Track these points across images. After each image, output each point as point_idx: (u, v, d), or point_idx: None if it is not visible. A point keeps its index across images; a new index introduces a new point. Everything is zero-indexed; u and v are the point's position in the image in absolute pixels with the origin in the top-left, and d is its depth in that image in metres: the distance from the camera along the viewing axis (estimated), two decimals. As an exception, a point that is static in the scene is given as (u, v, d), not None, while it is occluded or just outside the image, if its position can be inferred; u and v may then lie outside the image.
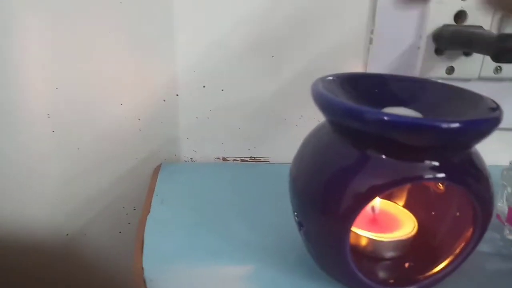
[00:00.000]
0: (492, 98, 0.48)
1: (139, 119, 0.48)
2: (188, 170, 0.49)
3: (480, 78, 0.49)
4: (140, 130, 0.49)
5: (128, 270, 0.55)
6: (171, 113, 0.49)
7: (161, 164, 0.50)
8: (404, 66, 0.48)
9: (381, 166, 0.27)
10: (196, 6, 0.45)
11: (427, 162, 0.26)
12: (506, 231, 0.39)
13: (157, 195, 0.43)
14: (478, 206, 0.28)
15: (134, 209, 0.53)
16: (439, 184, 0.34)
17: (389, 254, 0.33)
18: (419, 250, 0.33)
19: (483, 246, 0.32)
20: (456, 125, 0.24)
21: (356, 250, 0.33)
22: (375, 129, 0.26)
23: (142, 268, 0.32)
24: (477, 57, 0.48)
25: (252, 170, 0.50)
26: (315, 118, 0.49)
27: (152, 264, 0.33)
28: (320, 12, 0.46)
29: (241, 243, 0.36)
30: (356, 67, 0.49)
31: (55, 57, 0.45)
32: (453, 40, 0.44)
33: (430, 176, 0.26)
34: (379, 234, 0.33)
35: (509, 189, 0.39)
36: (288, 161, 0.50)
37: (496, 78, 0.49)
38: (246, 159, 0.52)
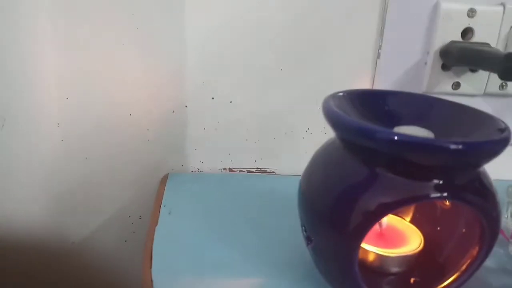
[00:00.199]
0: (497, 113, 0.49)
1: (147, 130, 0.49)
2: (195, 180, 0.49)
3: (486, 94, 0.50)
4: (148, 140, 0.49)
5: (133, 279, 0.56)
6: (180, 124, 0.49)
7: (168, 174, 0.50)
8: (411, 81, 0.49)
9: (390, 184, 0.27)
10: (207, 19, 0.45)
11: (436, 181, 0.27)
12: (511, 248, 0.39)
13: (164, 206, 0.43)
14: (486, 225, 0.28)
15: (140, 218, 0.53)
16: (446, 201, 0.34)
17: (396, 269, 0.34)
18: (425, 265, 0.34)
19: (487, 261, 0.32)
20: (466, 146, 0.25)
21: (363, 265, 0.33)
22: (385, 148, 0.26)
23: (151, 281, 0.33)
24: (483, 73, 0.48)
25: (259, 182, 0.50)
26: (322, 131, 0.50)
27: (161, 277, 0.33)
28: (329, 27, 0.47)
29: (249, 256, 0.37)
30: (363, 81, 0.49)
31: (66, 68, 0.46)
32: (460, 57, 0.45)
33: (439, 195, 0.27)
34: (385, 250, 0.33)
35: (514, 206, 0.39)
36: (294, 173, 0.51)
37: (502, 94, 0.50)
38: (252, 170, 0.52)
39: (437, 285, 0.31)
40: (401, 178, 0.27)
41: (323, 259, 0.31)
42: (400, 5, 0.46)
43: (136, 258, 0.54)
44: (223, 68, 0.47)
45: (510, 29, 0.47)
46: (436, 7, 0.46)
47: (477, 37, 0.46)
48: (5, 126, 0.47)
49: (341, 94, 0.33)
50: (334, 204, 0.29)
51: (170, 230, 0.39)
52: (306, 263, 0.35)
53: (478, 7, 0.46)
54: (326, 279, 0.32)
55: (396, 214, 0.37)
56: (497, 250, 0.40)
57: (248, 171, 0.52)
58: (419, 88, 0.49)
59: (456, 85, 0.49)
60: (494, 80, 0.49)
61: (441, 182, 0.27)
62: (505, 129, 0.28)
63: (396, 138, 0.25)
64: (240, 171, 0.52)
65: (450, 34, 0.46)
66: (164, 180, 0.49)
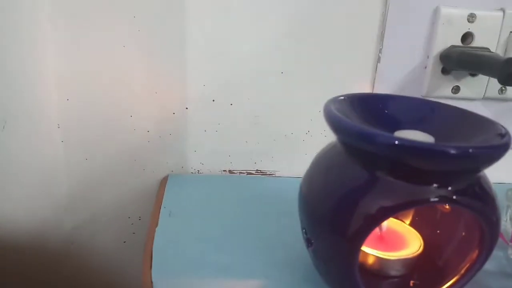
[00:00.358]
0: (496, 117, 0.49)
1: (148, 131, 0.49)
2: (195, 182, 0.49)
3: (485, 98, 0.50)
4: (148, 142, 0.49)
5: (133, 280, 0.56)
6: (180, 126, 0.49)
7: (168, 175, 0.50)
8: (411, 85, 0.49)
9: (391, 188, 0.27)
10: (208, 22, 0.46)
11: (437, 185, 0.27)
12: (510, 251, 0.39)
13: (164, 207, 0.43)
14: (485, 229, 0.29)
15: (140, 219, 0.53)
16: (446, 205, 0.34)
17: (395, 272, 0.34)
18: (425, 269, 0.34)
19: (486, 264, 0.32)
20: (466, 151, 0.25)
21: (363, 268, 0.33)
22: (386, 153, 0.27)
23: (151, 283, 0.33)
24: (482, 78, 0.49)
25: (259, 184, 0.50)
26: (322, 133, 0.50)
27: (161, 279, 0.33)
28: (330, 30, 0.47)
29: (249, 257, 0.37)
30: (363, 84, 0.49)
31: (66, 69, 0.46)
32: (460, 61, 0.45)
33: (439, 199, 0.27)
34: (385, 253, 0.33)
35: (513, 210, 0.40)
36: (294, 175, 0.52)
37: (501, 98, 0.50)
38: (252, 172, 0.53)
39: (437, 288, 0.32)
40: (402, 182, 0.27)
41: (323, 261, 0.31)
42: (400, 10, 0.46)
43: (136, 259, 0.54)
44: (224, 70, 0.48)
45: (509, 34, 0.47)
46: (436, 12, 0.46)
47: (477, 42, 0.47)
48: (5, 127, 0.47)
49: (342, 98, 0.33)
50: (335, 208, 0.29)
51: (170, 231, 0.39)
52: (306, 265, 0.35)
53: (478, 12, 0.46)
54: (326, 282, 0.33)
55: (396, 217, 0.37)
56: (496, 253, 0.40)
57: (248, 173, 0.53)
58: (419, 91, 0.49)
59: (456, 89, 0.49)
60: (494, 84, 0.49)
61: (441, 186, 0.27)
62: (505, 134, 0.28)
63: (396, 142, 0.26)
64: (240, 173, 0.52)
65: (450, 38, 0.47)
66: (164, 181, 0.49)
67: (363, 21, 0.47)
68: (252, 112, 0.50)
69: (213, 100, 0.49)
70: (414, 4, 0.46)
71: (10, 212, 0.51)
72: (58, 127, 0.48)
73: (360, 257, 0.33)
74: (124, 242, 0.54)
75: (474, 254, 0.30)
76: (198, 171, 0.52)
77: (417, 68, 0.49)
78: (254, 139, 0.51)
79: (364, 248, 0.33)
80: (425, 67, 0.48)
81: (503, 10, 0.46)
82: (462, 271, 0.31)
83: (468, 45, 0.47)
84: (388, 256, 0.33)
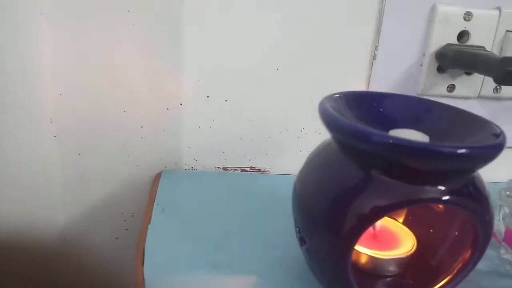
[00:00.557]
0: (491, 116, 0.49)
1: (141, 127, 0.49)
2: (188, 178, 0.49)
3: (480, 97, 0.50)
4: (142, 137, 0.49)
5: (126, 276, 0.56)
6: (174, 121, 0.49)
7: (161, 171, 0.50)
8: (407, 82, 0.49)
9: (385, 187, 0.27)
10: (204, 18, 0.45)
11: (431, 185, 0.27)
12: (503, 250, 0.39)
13: (157, 204, 0.43)
14: (479, 229, 0.29)
15: (132, 216, 0.53)
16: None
17: (389, 271, 0.34)
18: (418, 268, 0.34)
19: (479, 264, 0.32)
20: (462, 151, 0.25)
21: (356, 267, 0.33)
22: (381, 152, 0.26)
23: (143, 280, 0.32)
24: (477, 76, 0.49)
25: (253, 181, 0.50)
26: (317, 131, 0.50)
27: (153, 276, 0.33)
28: (326, 27, 0.47)
29: (242, 255, 0.37)
30: (359, 81, 0.49)
31: (59, 63, 0.45)
32: (456, 59, 0.45)
33: (433, 199, 0.27)
34: (379, 252, 0.33)
35: (506, 209, 0.40)
36: (289, 172, 0.51)
37: (496, 97, 0.50)
38: (246, 169, 0.52)
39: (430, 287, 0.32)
40: (396, 181, 0.27)
41: (316, 260, 0.31)
42: (397, 7, 0.46)
43: (128, 256, 0.54)
44: (218, 66, 0.47)
45: (505, 33, 0.47)
46: (433, 10, 0.46)
47: (473, 40, 0.47)
48: (-4, 121, 0.46)
49: (337, 95, 0.33)
50: (329, 207, 0.29)
51: (163, 228, 0.39)
52: (300, 264, 0.35)
53: (474, 11, 0.46)
54: (319, 281, 0.33)
55: (390, 216, 0.37)
56: (489, 252, 0.40)
57: (242, 170, 0.52)
58: (415, 89, 0.49)
59: (451, 88, 0.49)
60: (489, 83, 0.49)
61: (435, 186, 0.27)
62: (499, 134, 0.28)
63: (391, 141, 0.25)
64: (234, 169, 0.52)
65: (447, 36, 0.47)
66: (157, 177, 0.49)
67: (359, 18, 0.47)
68: (247, 109, 0.49)
69: (208, 96, 0.48)
70: (411, 1, 0.46)
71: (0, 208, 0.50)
72: (51, 122, 0.47)
73: (354, 256, 0.32)
74: (117, 238, 0.54)
75: (467, 254, 0.30)
76: (192, 167, 0.51)
77: (413, 66, 0.48)
78: (248, 136, 0.51)
79: (357, 247, 0.33)
80: (421, 65, 0.48)
81: (499, 9, 0.46)
82: (455, 271, 0.31)
83: (464, 44, 0.47)
84: (382, 255, 0.33)
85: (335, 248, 0.29)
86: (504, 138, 0.27)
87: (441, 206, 0.34)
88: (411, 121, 0.33)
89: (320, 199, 0.29)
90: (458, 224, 0.33)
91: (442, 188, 0.27)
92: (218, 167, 0.52)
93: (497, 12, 0.46)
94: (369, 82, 0.49)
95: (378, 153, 0.27)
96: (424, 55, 0.48)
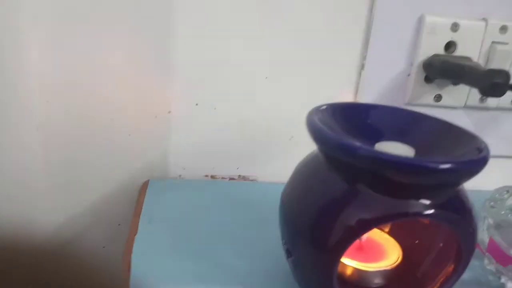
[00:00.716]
0: (477, 126, 0.49)
1: (129, 135, 0.48)
2: (176, 187, 0.49)
3: (466, 107, 0.50)
4: (129, 145, 0.49)
5: (111, 287, 0.55)
6: (162, 129, 0.49)
7: (149, 180, 0.50)
8: (395, 92, 0.49)
9: (371, 201, 0.27)
10: (193, 27, 0.45)
11: (415, 199, 0.27)
12: (486, 261, 0.40)
13: (144, 214, 0.42)
14: (462, 242, 0.29)
15: (119, 225, 0.52)
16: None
17: (374, 283, 0.34)
18: (404, 279, 0.34)
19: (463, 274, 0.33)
20: (445, 166, 0.25)
21: (342, 279, 0.33)
22: (366, 166, 0.26)
23: (129, 292, 0.32)
24: (464, 86, 0.49)
25: (241, 189, 0.50)
26: (305, 140, 0.50)
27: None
28: (314, 37, 0.47)
29: (229, 267, 0.36)
30: (347, 90, 0.49)
31: (47, 70, 0.45)
32: (443, 70, 0.45)
33: (418, 214, 0.27)
34: (364, 264, 0.33)
35: (490, 220, 0.40)
36: (277, 180, 0.51)
37: (481, 107, 0.51)
38: (234, 177, 0.52)
39: (415, 299, 0.32)
40: (381, 195, 0.27)
41: (302, 273, 0.31)
42: (385, 17, 0.46)
43: (116, 265, 0.54)
44: (207, 74, 0.47)
45: (491, 43, 0.47)
46: (421, 20, 0.46)
47: (460, 51, 0.47)
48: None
49: (324, 107, 0.33)
50: (314, 220, 0.29)
51: (149, 239, 0.39)
52: (287, 275, 0.34)
53: (461, 22, 0.46)
54: (305, 292, 0.33)
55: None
56: (472, 262, 0.40)
57: (231, 178, 0.52)
58: (402, 99, 0.49)
59: (438, 97, 0.49)
60: (475, 93, 0.49)
61: (420, 200, 0.27)
62: (483, 148, 0.28)
63: (376, 155, 0.26)
64: (222, 178, 0.52)
65: (434, 47, 0.47)
66: (144, 186, 0.48)
67: (348, 27, 0.47)
68: (235, 117, 0.49)
69: (197, 104, 0.48)
70: (399, 12, 0.46)
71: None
72: (37, 130, 0.47)
73: (339, 268, 0.33)
74: (104, 247, 0.53)
75: (451, 266, 0.31)
76: (180, 175, 0.51)
77: (401, 76, 0.49)
78: (237, 144, 0.51)
79: (343, 259, 0.33)
80: (409, 75, 0.49)
81: (485, 20, 0.47)
82: (439, 283, 0.31)
83: (451, 54, 0.47)
84: (367, 267, 0.33)
85: (320, 261, 0.29)
86: (488, 153, 0.28)
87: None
88: (398, 133, 0.34)
89: (306, 211, 0.29)
90: (443, 235, 0.33)
91: (427, 202, 0.27)
92: (206, 176, 0.52)
93: (483, 23, 0.47)
94: (357, 91, 0.49)
95: (363, 166, 0.27)
96: (412, 65, 0.48)
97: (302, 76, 0.48)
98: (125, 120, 0.48)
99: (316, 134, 0.29)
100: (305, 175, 0.32)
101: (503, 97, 0.41)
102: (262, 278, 0.35)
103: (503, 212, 0.40)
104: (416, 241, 0.36)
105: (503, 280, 0.38)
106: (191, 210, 0.44)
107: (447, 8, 0.46)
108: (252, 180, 0.53)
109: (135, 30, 0.44)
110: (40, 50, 0.44)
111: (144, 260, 0.36)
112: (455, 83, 0.48)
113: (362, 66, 0.48)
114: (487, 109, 0.51)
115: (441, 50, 0.47)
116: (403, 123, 0.35)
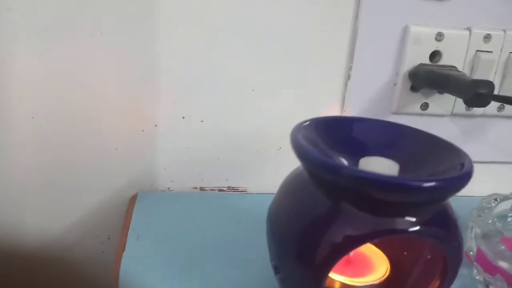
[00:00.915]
0: (463, 133, 0.49)
1: (116, 149, 0.48)
2: (165, 200, 0.49)
3: (453, 115, 0.51)
4: (117, 159, 0.48)
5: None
6: (149, 143, 0.48)
7: (137, 193, 0.49)
8: (381, 102, 0.49)
9: (354, 219, 0.27)
10: (178, 39, 0.45)
11: (400, 216, 0.27)
12: (475, 271, 0.40)
13: (132, 230, 0.42)
14: (448, 256, 0.29)
15: (109, 239, 0.52)
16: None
17: (362, 297, 0.34)
18: (392, 292, 0.34)
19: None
20: (428, 184, 0.25)
21: (330, 294, 0.33)
22: (350, 184, 0.26)
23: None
24: (450, 95, 0.49)
25: (230, 201, 0.50)
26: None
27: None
28: (300, 48, 0.47)
29: (218, 282, 0.36)
30: (334, 101, 0.50)
31: (32, 85, 0.44)
32: (428, 80, 0.46)
33: (403, 231, 0.27)
34: (352, 279, 0.33)
35: (477, 230, 0.40)
36: (266, 191, 0.51)
37: (468, 114, 0.51)
38: (224, 189, 0.52)
39: (403, 313, 0.32)
40: (365, 213, 0.27)
41: (290, 289, 0.31)
42: (370, 27, 0.47)
43: (104, 279, 0.53)
44: (194, 87, 0.47)
45: (475, 52, 0.48)
46: (405, 30, 0.47)
47: (445, 60, 0.47)
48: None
49: (307, 123, 0.33)
50: (300, 237, 0.29)
51: (137, 256, 0.39)
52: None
53: (446, 31, 0.46)
54: (293, 309, 0.32)
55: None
56: (461, 271, 0.40)
57: (220, 190, 0.52)
58: (389, 108, 0.50)
59: (425, 106, 0.50)
60: (461, 101, 0.49)
61: (404, 217, 0.27)
62: (466, 164, 0.28)
63: (359, 175, 0.26)
64: (211, 189, 0.52)
65: (419, 56, 0.47)
66: (133, 200, 0.48)
67: (333, 39, 0.47)
68: (223, 129, 0.49)
69: (183, 117, 0.48)
70: (384, 22, 0.47)
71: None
72: (23, 146, 0.46)
73: (327, 283, 0.33)
74: (93, 260, 0.53)
75: (438, 280, 0.31)
76: (169, 188, 0.51)
77: (387, 85, 0.49)
78: (225, 155, 0.50)
79: (330, 274, 0.33)
80: (395, 84, 0.49)
81: (469, 29, 0.47)
82: (428, 296, 0.32)
83: (436, 63, 0.47)
84: (355, 282, 0.33)
85: (307, 278, 0.29)
86: (471, 167, 0.28)
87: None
88: (383, 147, 0.34)
89: (291, 229, 0.29)
90: (430, 247, 0.33)
91: (412, 219, 0.27)
92: (195, 188, 0.52)
93: (467, 32, 0.47)
94: (344, 101, 0.49)
95: (347, 185, 0.27)
96: (397, 74, 0.48)
97: (288, 88, 0.48)
98: (112, 134, 0.47)
99: (300, 152, 0.29)
100: (291, 191, 0.32)
101: (488, 105, 0.41)
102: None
103: (490, 221, 0.41)
104: (405, 253, 0.36)
105: (491, 289, 0.38)
106: (181, 224, 0.44)
107: (431, 18, 0.47)
108: (242, 191, 0.52)
109: (122, 44, 0.44)
110: (25, 67, 0.44)
111: (133, 277, 0.36)
112: (441, 92, 0.49)
113: (348, 77, 0.48)
114: (473, 116, 0.51)
115: (426, 60, 0.47)
116: (387, 136, 0.35)
